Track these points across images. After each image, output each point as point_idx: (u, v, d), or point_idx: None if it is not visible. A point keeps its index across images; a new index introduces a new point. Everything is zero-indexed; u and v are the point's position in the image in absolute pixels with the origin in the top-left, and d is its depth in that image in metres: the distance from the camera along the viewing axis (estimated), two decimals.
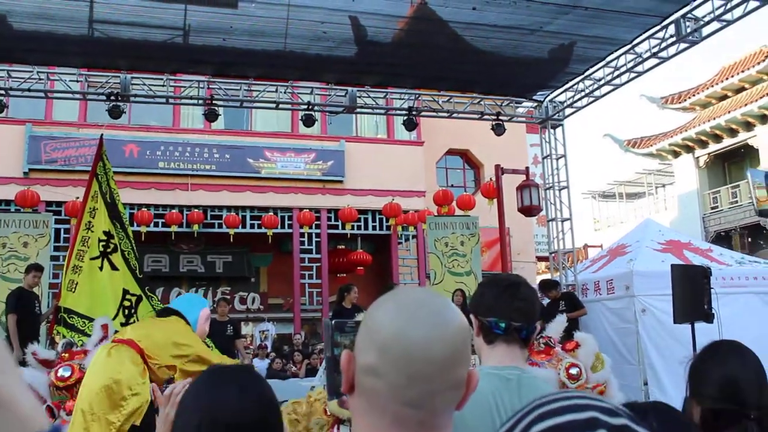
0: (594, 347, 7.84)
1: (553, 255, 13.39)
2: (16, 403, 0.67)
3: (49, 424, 0.74)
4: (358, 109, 13.04)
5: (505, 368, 1.91)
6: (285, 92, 12.42)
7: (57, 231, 14.51)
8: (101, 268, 8.45)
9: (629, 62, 11.23)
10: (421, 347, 0.97)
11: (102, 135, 9.32)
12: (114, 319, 8.10)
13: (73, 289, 8.20)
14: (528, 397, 1.85)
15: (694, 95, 25.33)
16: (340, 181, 17.77)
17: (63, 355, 6.22)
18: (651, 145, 27.08)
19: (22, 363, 8.36)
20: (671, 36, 10.26)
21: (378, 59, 11.02)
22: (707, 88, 24.74)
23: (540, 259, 22.59)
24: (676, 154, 26.80)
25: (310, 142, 17.70)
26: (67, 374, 5.85)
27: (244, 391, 1.56)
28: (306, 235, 17.38)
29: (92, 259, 8.40)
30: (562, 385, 7.23)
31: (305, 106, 12.25)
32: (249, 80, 12.13)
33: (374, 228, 17.97)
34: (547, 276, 13.46)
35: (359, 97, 12.47)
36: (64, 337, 7.85)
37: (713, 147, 25.17)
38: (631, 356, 10.78)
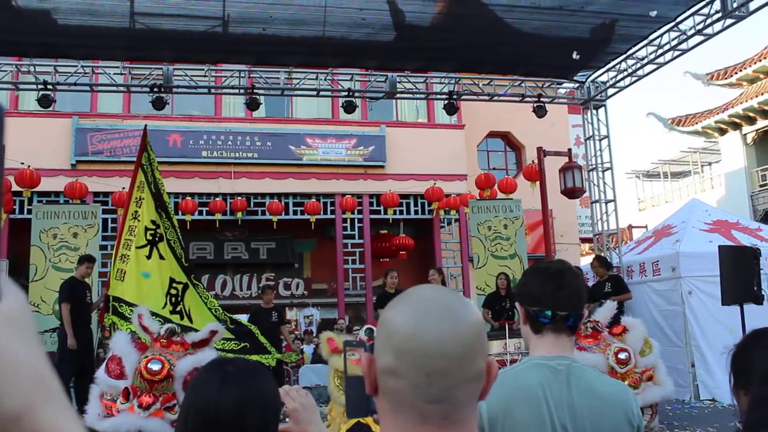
0: (643, 332, 7.77)
1: (597, 237, 13.27)
2: None
3: None
4: (399, 95, 13.03)
5: (554, 358, 1.91)
6: (325, 79, 12.46)
7: (105, 221, 14.76)
8: (149, 257, 8.59)
9: (673, 40, 11.02)
10: (435, 345, 1.00)
11: (146, 126, 9.44)
12: (163, 308, 8.26)
13: (121, 278, 8.35)
14: (577, 387, 1.86)
15: (741, 70, 24.70)
16: (382, 166, 17.75)
17: (162, 340, 6.27)
18: (696, 123, 26.54)
19: (76, 351, 8.62)
20: (717, 12, 10.04)
21: (417, 44, 10.99)
22: (755, 63, 24.10)
23: (584, 240, 22.34)
24: (722, 132, 26.23)
25: (351, 128, 17.70)
26: (156, 368, 5.83)
27: (226, 383, 1.61)
28: (348, 220, 17.42)
29: (138, 248, 8.54)
30: (611, 370, 7.18)
31: (346, 93, 12.28)
32: (289, 68, 12.21)
33: (416, 212, 17.94)
34: (591, 257, 13.32)
35: (399, 82, 12.46)
36: (113, 323, 8.02)
37: (761, 123, 24.54)
38: (677, 338, 10.66)
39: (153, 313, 8.00)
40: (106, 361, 6.08)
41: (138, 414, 5.70)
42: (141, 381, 5.85)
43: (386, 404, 1.06)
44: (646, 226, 26.01)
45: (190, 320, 8.36)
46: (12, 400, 0.60)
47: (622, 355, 7.39)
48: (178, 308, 8.47)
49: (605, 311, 7.61)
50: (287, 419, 1.79)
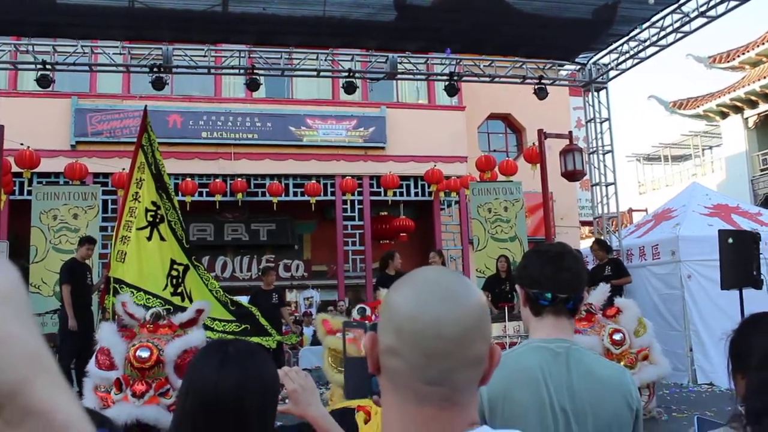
0: (636, 312, 7.81)
1: (597, 220, 13.27)
2: (53, 412, 0.62)
3: None
4: (399, 75, 12.97)
5: (554, 341, 1.91)
6: (326, 60, 12.40)
7: (105, 202, 14.74)
8: (149, 238, 8.57)
9: (675, 22, 10.96)
10: (434, 327, 1.00)
11: (146, 106, 9.39)
12: (164, 289, 8.26)
13: (122, 260, 8.34)
14: (577, 370, 1.86)
15: (743, 53, 24.58)
16: (382, 148, 17.73)
17: (148, 326, 6.25)
18: (697, 106, 26.46)
19: (77, 332, 8.63)
20: None
21: (418, 24, 10.93)
22: (757, 46, 23.97)
23: (584, 223, 22.35)
24: (723, 115, 26.15)
25: (351, 109, 17.66)
26: (145, 355, 5.84)
27: (224, 365, 1.60)
28: (349, 202, 17.42)
29: (139, 229, 8.52)
30: (606, 352, 7.22)
31: (346, 73, 12.23)
32: (289, 48, 12.14)
33: (416, 194, 17.94)
34: (591, 240, 13.35)
35: (400, 63, 12.39)
36: (114, 305, 8.01)
37: (763, 107, 24.46)
38: (676, 322, 10.68)
39: (154, 295, 8.03)
40: (95, 353, 6.08)
41: (133, 403, 5.72)
42: (132, 370, 5.85)
43: (387, 384, 1.06)
44: (646, 210, 26.00)
45: (191, 302, 8.35)
46: (6, 376, 0.60)
47: (616, 336, 7.43)
48: (179, 290, 8.47)
49: (598, 294, 7.64)
50: (287, 400, 1.79)
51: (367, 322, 6.28)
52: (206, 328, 8.21)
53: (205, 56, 12.15)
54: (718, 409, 7.90)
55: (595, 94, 13.28)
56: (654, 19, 11.12)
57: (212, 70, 12.75)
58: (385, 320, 1.07)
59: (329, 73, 13.00)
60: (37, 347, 0.64)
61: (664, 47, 11.60)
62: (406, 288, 1.07)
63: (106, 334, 6.10)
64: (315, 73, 12.64)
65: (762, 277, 8.02)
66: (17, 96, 15.61)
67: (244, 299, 10.15)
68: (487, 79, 13.11)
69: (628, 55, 12.23)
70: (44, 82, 11.41)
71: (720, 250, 8.26)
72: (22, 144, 12.32)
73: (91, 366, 6.02)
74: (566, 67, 13.92)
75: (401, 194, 17.58)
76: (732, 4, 9.98)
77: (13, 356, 0.61)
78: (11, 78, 15.86)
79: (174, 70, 12.03)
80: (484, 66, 13.02)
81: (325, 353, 7.03)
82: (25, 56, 12.22)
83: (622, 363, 7.22)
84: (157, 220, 8.64)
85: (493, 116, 21.03)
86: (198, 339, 6.25)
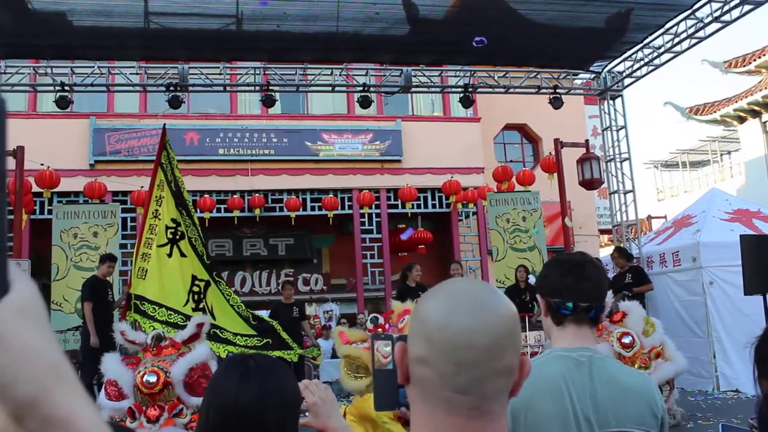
0: (641, 313, 7.78)
1: (616, 228, 13.20)
2: (73, 420, 0.63)
3: None
4: (414, 89, 13.00)
5: (577, 350, 1.91)
6: (340, 75, 12.46)
7: (124, 220, 14.86)
8: (170, 255, 8.62)
9: (690, 28, 10.91)
10: (463, 336, 1.00)
11: (164, 125, 9.46)
12: (185, 305, 8.30)
13: (143, 276, 8.38)
14: (600, 378, 1.86)
15: (759, 57, 24.37)
16: (398, 161, 17.76)
17: (151, 349, 6.26)
18: (714, 112, 26.26)
19: (99, 349, 8.69)
20: None
21: (431, 37, 10.96)
22: None
23: (602, 231, 22.24)
24: (741, 120, 25.94)
25: (367, 123, 17.71)
26: (152, 380, 5.84)
27: (245, 379, 1.61)
28: (366, 215, 17.44)
29: (160, 246, 8.57)
30: (617, 356, 7.18)
31: (361, 88, 12.27)
32: (304, 64, 12.21)
33: (434, 206, 17.93)
34: (610, 248, 13.27)
35: (414, 76, 12.42)
36: (135, 321, 8.05)
37: None
38: (699, 329, 10.59)
39: (175, 311, 8.08)
40: (103, 386, 6.10)
41: (149, 429, 5.73)
42: (142, 396, 5.86)
43: (416, 393, 1.07)
44: (665, 217, 25.84)
45: (213, 317, 8.40)
46: (26, 386, 0.62)
47: (625, 339, 7.41)
48: (201, 305, 8.51)
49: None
50: (307, 413, 1.80)
51: (380, 330, 6.32)
52: (228, 342, 8.26)
53: (220, 74, 12.25)
54: (744, 416, 7.81)
55: (611, 102, 13.25)
56: (668, 25, 11.09)
57: (228, 88, 12.85)
58: (415, 330, 1.07)
59: (344, 88, 13.05)
60: (56, 357, 0.66)
61: (678, 53, 11.55)
62: (435, 298, 1.08)
63: (110, 366, 6.10)
64: (330, 88, 12.70)
65: None
66: (36, 117, 15.78)
67: (264, 314, 10.17)
68: (502, 90, 13.12)
69: (642, 63, 12.19)
70: (63, 103, 11.54)
71: (742, 255, 8.18)
72: (41, 164, 12.45)
73: (102, 399, 6.03)
74: (581, 75, 13.89)
75: (419, 206, 17.58)
76: (746, 8, 9.93)
77: (34, 367, 0.63)
78: (30, 100, 16.04)
79: (190, 88, 12.15)
80: (498, 77, 13.03)
81: (342, 362, 7.06)
82: (44, 78, 12.37)
83: (636, 365, 7.21)
84: (178, 237, 8.69)
85: (508, 126, 21.01)
86: (202, 354, 6.24)
